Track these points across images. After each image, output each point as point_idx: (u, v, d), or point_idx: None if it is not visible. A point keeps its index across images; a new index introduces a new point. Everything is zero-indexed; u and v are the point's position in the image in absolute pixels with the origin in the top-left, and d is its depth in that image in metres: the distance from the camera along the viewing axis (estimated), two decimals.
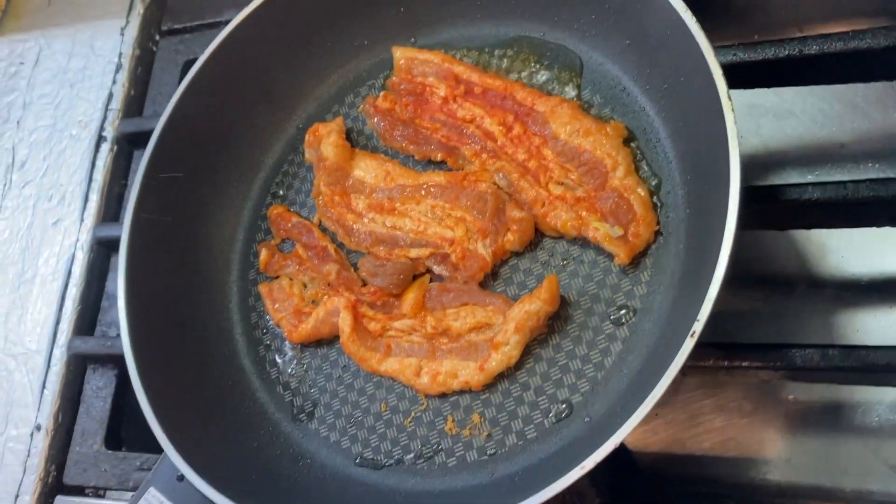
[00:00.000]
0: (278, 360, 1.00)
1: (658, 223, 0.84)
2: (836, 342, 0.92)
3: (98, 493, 1.14)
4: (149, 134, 1.05)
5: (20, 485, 1.17)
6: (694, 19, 0.76)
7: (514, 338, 0.84)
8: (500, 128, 0.93)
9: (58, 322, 1.24)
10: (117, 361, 1.17)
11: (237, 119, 1.09)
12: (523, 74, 0.98)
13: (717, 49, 0.75)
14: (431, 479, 0.86)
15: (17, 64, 1.46)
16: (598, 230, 0.84)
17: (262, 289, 1.02)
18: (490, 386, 0.87)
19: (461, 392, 0.88)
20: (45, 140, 1.38)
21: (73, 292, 1.24)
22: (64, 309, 1.24)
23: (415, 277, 0.94)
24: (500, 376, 0.86)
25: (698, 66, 0.76)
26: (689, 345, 0.67)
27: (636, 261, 0.84)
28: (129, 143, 1.31)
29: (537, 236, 0.90)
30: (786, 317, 0.97)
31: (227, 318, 1.04)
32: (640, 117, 0.89)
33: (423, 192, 0.95)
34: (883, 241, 0.94)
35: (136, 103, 1.35)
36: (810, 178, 0.99)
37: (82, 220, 1.28)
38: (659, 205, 0.85)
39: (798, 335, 0.94)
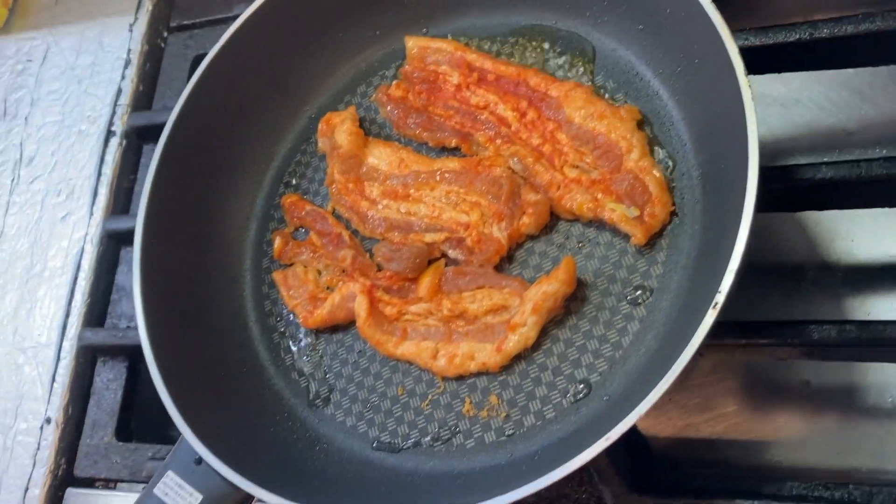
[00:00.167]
0: (293, 347, 1.00)
1: (673, 204, 0.84)
2: None
3: (109, 485, 1.14)
4: (159, 127, 1.05)
5: (30, 478, 1.16)
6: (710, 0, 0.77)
7: (532, 319, 0.84)
8: (514, 113, 0.94)
9: (67, 315, 1.24)
10: (128, 353, 1.17)
11: (249, 110, 1.09)
12: (535, 62, 0.99)
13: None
14: (450, 460, 0.86)
15: (25, 61, 1.47)
16: (615, 211, 0.85)
17: (277, 276, 1.03)
18: (507, 367, 0.87)
19: (478, 374, 0.88)
20: (54, 136, 1.38)
21: (83, 285, 1.24)
22: (73, 302, 1.24)
23: (430, 262, 0.95)
24: (518, 357, 0.87)
25: (714, 46, 0.77)
26: (711, 316, 0.67)
27: (652, 241, 0.85)
28: (138, 137, 1.32)
29: (552, 219, 0.91)
30: (796, 302, 0.97)
31: (240, 306, 1.04)
32: (654, 101, 0.90)
33: (437, 178, 0.96)
34: (892, 225, 0.95)
35: (144, 99, 1.35)
36: None
37: (91, 213, 1.29)
38: (674, 186, 0.86)
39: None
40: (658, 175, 0.85)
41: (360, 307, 0.93)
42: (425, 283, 0.92)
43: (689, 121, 0.86)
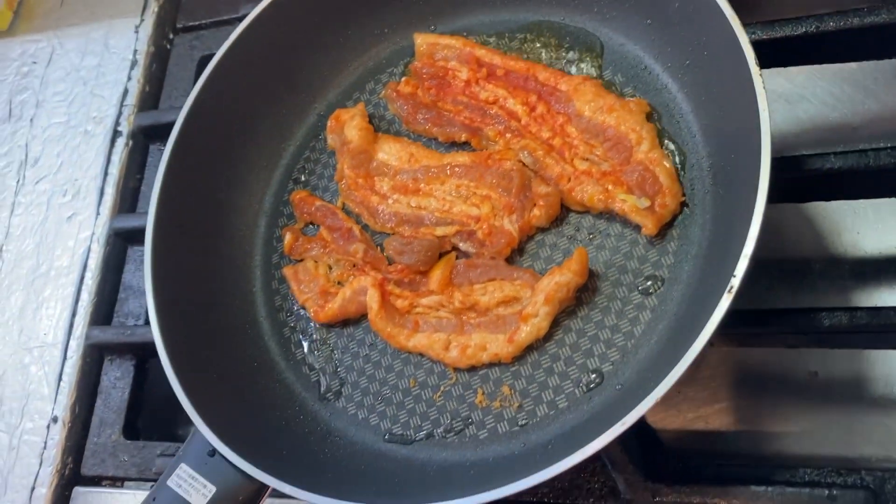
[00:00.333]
0: (303, 342, 1.00)
1: (684, 194, 0.85)
2: None
3: (116, 483, 1.13)
4: (165, 127, 1.06)
5: (36, 477, 1.16)
6: None
7: (544, 309, 0.85)
8: (524, 107, 0.95)
9: (74, 314, 1.24)
10: (135, 351, 1.17)
11: (258, 107, 1.10)
12: (544, 57, 1.00)
13: None
14: (463, 451, 0.87)
15: (30, 63, 1.47)
16: (626, 202, 0.85)
17: (287, 272, 1.03)
18: (519, 358, 0.88)
19: (490, 365, 0.89)
20: (59, 137, 1.38)
21: (90, 284, 1.24)
22: (80, 301, 1.24)
23: (441, 256, 0.95)
24: (530, 348, 0.87)
25: (724, 37, 0.78)
26: (726, 300, 0.68)
27: (662, 232, 0.85)
28: (145, 137, 1.32)
29: (563, 212, 0.91)
30: (804, 294, 0.98)
31: (251, 301, 1.05)
32: (663, 94, 0.91)
33: (447, 172, 0.96)
34: None
35: (151, 99, 1.36)
36: None
37: (98, 213, 1.29)
38: (684, 177, 0.86)
39: None
40: (668, 166, 0.85)
41: (372, 300, 0.93)
42: (436, 276, 0.93)
43: (698, 113, 0.87)
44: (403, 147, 1.01)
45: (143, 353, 1.17)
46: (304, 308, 1.01)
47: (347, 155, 1.02)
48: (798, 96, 1.06)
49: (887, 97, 1.02)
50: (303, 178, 1.09)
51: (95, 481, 1.14)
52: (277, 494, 0.83)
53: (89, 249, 1.27)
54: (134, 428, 1.16)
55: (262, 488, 0.83)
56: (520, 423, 0.85)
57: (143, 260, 0.98)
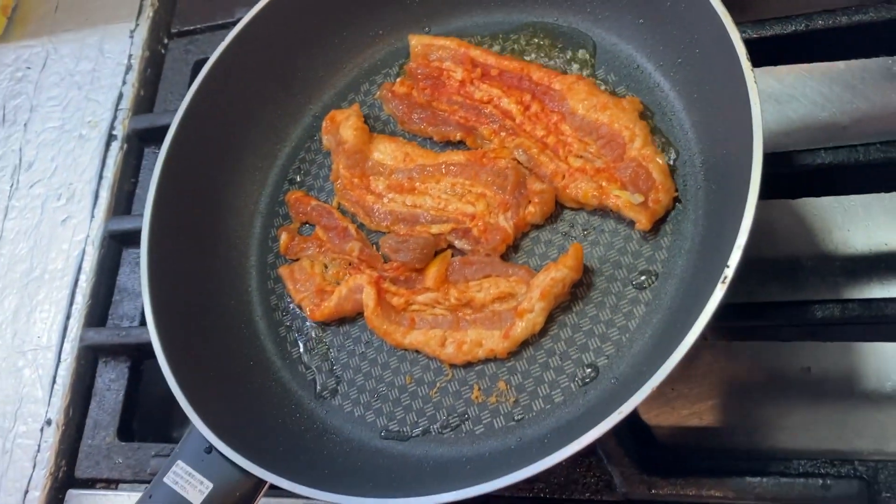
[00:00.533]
0: (299, 341, 1.00)
1: (676, 190, 0.86)
2: None
3: (110, 485, 1.13)
4: (160, 130, 1.06)
5: (30, 480, 1.16)
6: None
7: (539, 305, 0.85)
8: (518, 106, 0.96)
9: (68, 317, 1.24)
10: (130, 353, 1.17)
11: (254, 109, 1.10)
12: (537, 58, 1.01)
13: None
14: (459, 447, 0.87)
15: (24, 69, 1.48)
16: (619, 198, 0.86)
17: (283, 271, 1.03)
18: (515, 353, 0.88)
19: (486, 361, 0.89)
20: (54, 141, 1.39)
21: (84, 287, 1.24)
22: (74, 304, 1.24)
23: (436, 254, 0.96)
24: (525, 343, 0.88)
25: (716, 34, 0.79)
26: (720, 291, 0.69)
27: (656, 227, 0.86)
28: (140, 140, 1.32)
29: (557, 208, 0.92)
30: (796, 291, 0.99)
31: (247, 301, 1.05)
32: (655, 93, 0.92)
33: (442, 171, 0.97)
34: (887, 214, 0.98)
35: (146, 103, 1.36)
36: None
37: (93, 216, 1.29)
38: (677, 173, 0.87)
39: None
40: (661, 162, 0.86)
41: (368, 298, 0.94)
42: (432, 273, 0.93)
43: (690, 110, 0.88)
44: (399, 146, 1.01)
45: (137, 355, 1.17)
46: (299, 307, 1.01)
47: (343, 155, 1.03)
48: (788, 96, 1.08)
49: (875, 96, 1.03)
50: (298, 179, 1.10)
51: (89, 484, 1.14)
52: (274, 492, 0.83)
53: (84, 252, 1.27)
54: (128, 430, 1.16)
55: (259, 484, 0.83)
56: (516, 417, 0.86)
57: (138, 262, 0.98)
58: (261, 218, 1.10)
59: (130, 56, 1.39)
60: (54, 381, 1.20)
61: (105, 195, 1.30)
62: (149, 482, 0.92)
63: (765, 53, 0.92)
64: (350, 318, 0.99)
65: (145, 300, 0.94)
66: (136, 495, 1.07)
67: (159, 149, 1.03)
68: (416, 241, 0.94)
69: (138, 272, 1.17)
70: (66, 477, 1.15)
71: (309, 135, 1.11)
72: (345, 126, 1.02)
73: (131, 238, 1.23)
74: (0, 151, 1.42)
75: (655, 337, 0.82)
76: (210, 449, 0.85)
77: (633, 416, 0.94)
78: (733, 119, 0.77)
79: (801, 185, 0.90)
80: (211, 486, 0.84)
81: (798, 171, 0.85)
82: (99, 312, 1.23)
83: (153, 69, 1.39)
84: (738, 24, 0.90)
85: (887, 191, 0.89)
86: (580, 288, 0.88)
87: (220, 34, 1.32)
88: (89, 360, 1.20)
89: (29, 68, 1.48)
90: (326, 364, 0.98)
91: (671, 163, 0.88)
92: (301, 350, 1.00)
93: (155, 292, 0.96)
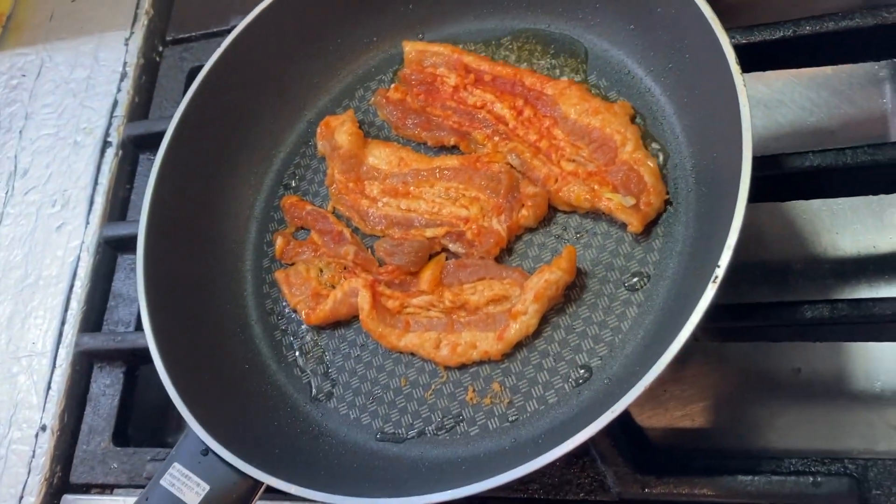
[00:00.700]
0: (295, 344, 1.01)
1: (668, 192, 0.87)
2: None
3: (105, 490, 1.13)
4: (155, 136, 1.07)
5: (24, 485, 1.16)
6: None
7: (533, 307, 0.86)
8: (511, 111, 0.97)
9: (63, 323, 1.24)
10: (125, 358, 1.18)
11: (249, 115, 1.12)
12: (530, 64, 1.02)
13: None
14: (454, 448, 0.88)
15: (19, 76, 1.48)
16: (611, 200, 0.87)
17: (279, 275, 1.04)
18: (509, 355, 0.89)
19: (480, 363, 0.90)
20: (49, 148, 1.39)
21: (79, 293, 1.25)
22: (69, 310, 1.24)
23: (431, 257, 0.97)
24: (519, 345, 0.89)
25: (705, 39, 0.81)
26: (711, 290, 0.70)
27: (647, 230, 0.88)
28: (135, 147, 1.33)
29: (550, 212, 0.93)
30: (786, 294, 1.00)
31: (242, 305, 1.06)
32: (646, 97, 0.93)
33: (437, 175, 0.98)
34: (874, 216, 0.99)
35: (141, 110, 1.37)
36: None
37: (87, 222, 1.29)
38: (668, 176, 0.89)
39: None
40: (652, 165, 0.88)
41: (364, 301, 0.95)
42: (427, 277, 0.94)
43: (680, 114, 0.90)
44: (393, 151, 1.02)
45: (133, 360, 1.18)
46: (295, 311, 1.02)
47: (338, 160, 1.04)
48: (776, 101, 1.09)
49: (862, 101, 1.05)
50: (293, 184, 1.11)
51: (85, 489, 1.14)
52: (271, 494, 0.84)
53: (79, 258, 1.27)
54: (124, 435, 1.16)
55: (255, 486, 0.83)
56: (510, 418, 0.87)
57: (133, 267, 0.99)
58: (256, 223, 1.11)
59: (125, 63, 1.40)
60: (49, 387, 1.20)
61: (100, 201, 1.30)
62: (144, 487, 0.93)
63: (754, 59, 0.94)
64: (345, 322, 0.99)
65: (142, 304, 0.95)
66: (132, 500, 1.07)
67: (154, 155, 1.04)
68: (411, 244, 0.95)
69: (133, 278, 1.19)
70: (61, 482, 1.15)
71: (304, 140, 1.12)
72: (340, 131, 1.03)
73: (126, 244, 1.23)
74: None
75: (648, 337, 0.83)
76: (206, 451, 0.86)
77: (627, 418, 0.95)
78: (723, 123, 0.79)
79: (790, 188, 0.92)
80: (207, 487, 0.84)
81: (787, 174, 0.87)
82: (94, 318, 1.24)
83: (148, 76, 1.39)
84: (728, 29, 0.92)
85: (874, 193, 0.90)
86: (573, 290, 0.89)
87: (215, 42, 1.32)
88: (84, 365, 1.20)
89: (24, 76, 1.48)
90: (322, 367, 0.98)
91: (662, 166, 0.89)
92: (297, 353, 1.01)
93: (151, 296, 0.96)
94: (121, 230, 1.24)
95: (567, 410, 0.84)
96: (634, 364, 0.82)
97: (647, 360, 0.78)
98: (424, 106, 1.03)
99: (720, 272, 0.70)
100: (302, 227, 1.07)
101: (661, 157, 0.90)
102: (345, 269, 1.00)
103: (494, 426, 0.87)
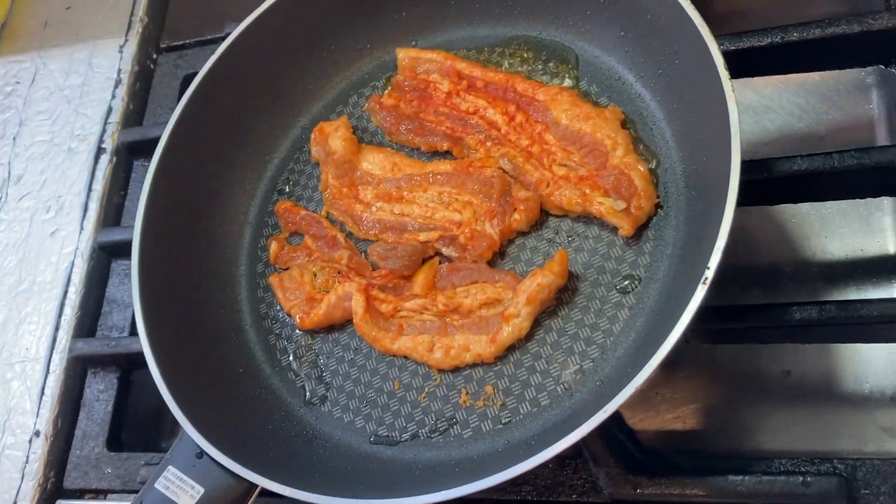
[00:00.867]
0: (289, 348, 1.02)
1: (658, 196, 0.88)
2: None
3: (99, 496, 1.13)
4: (150, 142, 1.08)
5: (18, 491, 1.16)
6: (689, 0, 0.82)
7: (526, 310, 0.87)
8: (503, 117, 0.98)
9: (57, 328, 1.24)
10: (119, 363, 1.18)
11: (243, 121, 1.12)
12: (521, 70, 1.03)
13: None
14: (448, 450, 0.88)
15: (13, 84, 1.49)
16: (603, 204, 0.89)
17: (273, 280, 1.04)
18: (502, 358, 0.90)
19: (474, 365, 0.91)
20: (43, 154, 1.39)
21: (73, 299, 1.25)
22: (63, 315, 1.25)
23: (424, 261, 0.97)
24: (512, 348, 0.89)
25: (695, 45, 0.82)
26: (701, 291, 0.71)
27: (638, 233, 0.88)
28: (129, 153, 1.34)
29: (542, 216, 0.94)
30: (775, 297, 1.01)
31: (236, 310, 1.06)
32: (636, 103, 0.95)
33: (430, 180, 0.99)
34: (861, 220, 1.00)
35: (135, 116, 1.37)
36: None
37: (82, 228, 1.30)
38: (658, 181, 0.90)
39: None
40: (642, 169, 0.89)
41: (357, 305, 0.95)
42: (420, 280, 0.95)
43: (670, 119, 0.91)
44: (387, 157, 1.03)
45: (127, 365, 1.18)
46: (289, 315, 1.02)
47: (332, 165, 1.04)
48: (765, 107, 1.11)
49: (849, 106, 1.06)
50: (287, 189, 1.11)
51: (78, 494, 1.14)
52: (265, 496, 0.84)
53: (73, 264, 1.28)
54: (118, 440, 1.16)
55: (250, 488, 0.84)
56: (503, 421, 0.87)
57: (127, 273, 0.99)
58: (250, 228, 1.11)
59: (120, 70, 1.40)
60: (43, 393, 1.21)
61: (94, 207, 1.31)
62: (138, 492, 0.93)
63: (742, 65, 0.95)
64: (339, 326, 1.00)
65: (136, 309, 0.95)
66: None
67: (148, 161, 1.05)
68: (405, 248, 0.96)
69: (127, 283, 1.20)
70: (54, 488, 1.15)
71: (298, 146, 1.13)
72: (334, 137, 1.04)
73: (120, 249, 1.24)
74: None
75: (639, 339, 0.84)
76: (201, 454, 0.86)
77: (619, 421, 0.96)
78: (713, 128, 0.80)
79: (779, 192, 0.93)
80: (202, 490, 0.85)
81: (775, 178, 0.88)
82: (88, 323, 1.24)
83: (142, 83, 1.40)
84: (717, 36, 0.93)
85: (861, 197, 0.92)
86: (565, 293, 0.90)
87: (209, 49, 1.33)
88: (78, 370, 1.21)
89: (18, 83, 1.49)
90: (316, 371, 0.99)
91: (653, 170, 0.90)
92: (290, 357, 1.01)
93: (146, 301, 0.97)
94: (115, 236, 1.24)
95: (559, 412, 0.85)
96: (626, 366, 0.83)
97: (638, 362, 0.79)
98: (418, 112, 1.04)
99: (710, 274, 0.71)
100: (296, 232, 1.08)
101: (651, 162, 0.91)
102: (339, 273, 1.01)
103: (487, 428, 0.88)
